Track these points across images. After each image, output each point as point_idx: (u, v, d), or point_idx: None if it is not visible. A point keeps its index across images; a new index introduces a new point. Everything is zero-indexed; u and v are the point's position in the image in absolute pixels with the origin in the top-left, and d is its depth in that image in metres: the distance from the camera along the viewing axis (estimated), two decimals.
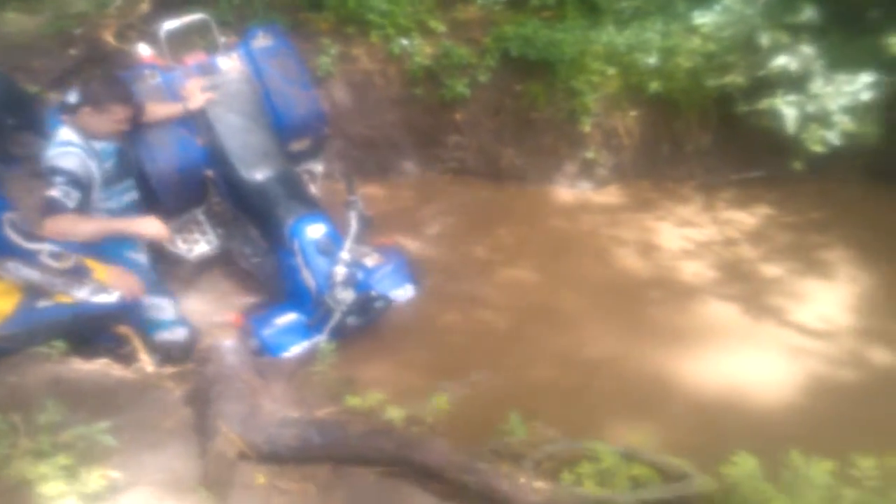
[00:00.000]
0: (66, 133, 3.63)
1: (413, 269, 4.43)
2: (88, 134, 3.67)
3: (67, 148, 3.57)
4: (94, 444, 2.31)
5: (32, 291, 2.92)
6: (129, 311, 3.32)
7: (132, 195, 4.10)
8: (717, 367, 4.22)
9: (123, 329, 3.29)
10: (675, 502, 2.35)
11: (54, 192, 3.43)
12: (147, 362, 3.18)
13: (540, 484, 2.35)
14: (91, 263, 3.12)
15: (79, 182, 3.53)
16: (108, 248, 3.60)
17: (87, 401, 2.56)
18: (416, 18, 6.05)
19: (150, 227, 3.76)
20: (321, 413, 2.78)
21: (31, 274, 2.89)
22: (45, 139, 3.80)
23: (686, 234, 5.59)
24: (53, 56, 5.68)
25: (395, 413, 2.76)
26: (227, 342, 2.88)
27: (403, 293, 4.29)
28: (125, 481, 2.26)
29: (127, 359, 3.21)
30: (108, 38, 5.87)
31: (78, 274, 3.02)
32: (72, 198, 3.46)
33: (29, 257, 2.89)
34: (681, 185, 6.22)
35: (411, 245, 5.10)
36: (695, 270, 5.18)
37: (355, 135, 6.07)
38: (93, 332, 3.17)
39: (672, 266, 5.23)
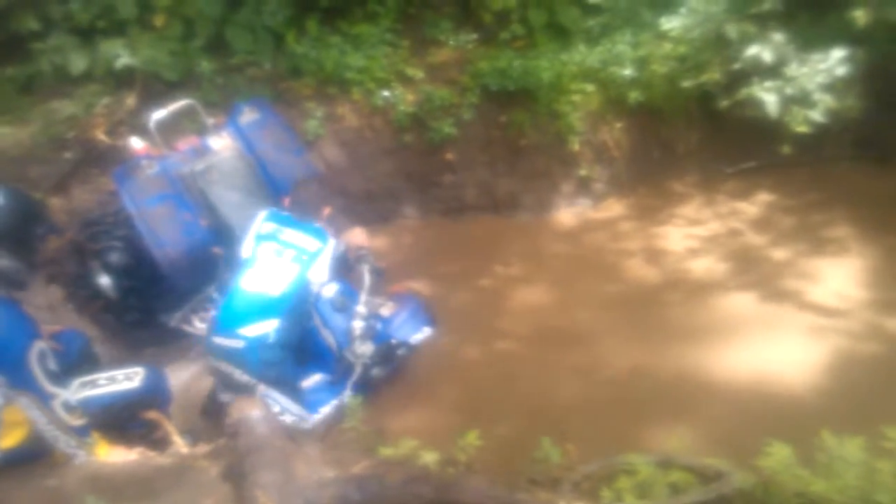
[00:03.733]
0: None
1: (429, 311, 4.48)
2: None
3: None
4: None
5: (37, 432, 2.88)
6: (154, 396, 3.37)
7: None
8: (741, 359, 4.23)
9: (153, 414, 3.34)
10: (715, 502, 2.35)
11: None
12: (180, 444, 3.23)
13: None
14: (97, 436, 3.04)
15: None
16: None
17: (126, 492, 2.60)
18: (394, 69, 6.19)
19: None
20: (357, 469, 2.79)
21: (39, 418, 2.82)
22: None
23: (691, 233, 5.63)
24: (50, 163, 5.80)
25: (429, 457, 2.77)
26: (255, 413, 2.92)
27: (422, 336, 4.33)
28: None
29: (160, 443, 3.26)
30: (101, 136, 6.00)
31: (81, 437, 2.93)
32: None
33: (43, 399, 2.82)
34: (678, 185, 6.28)
35: (423, 287, 5.14)
36: (706, 267, 5.21)
37: (354, 189, 6.17)
38: (123, 420, 3.21)
39: (682, 267, 5.26)
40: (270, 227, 4.04)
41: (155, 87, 6.47)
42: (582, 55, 6.10)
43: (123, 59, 6.37)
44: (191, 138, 4.80)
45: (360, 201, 6.19)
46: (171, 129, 4.92)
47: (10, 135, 6.25)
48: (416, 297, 4.60)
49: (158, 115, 4.71)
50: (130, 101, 6.39)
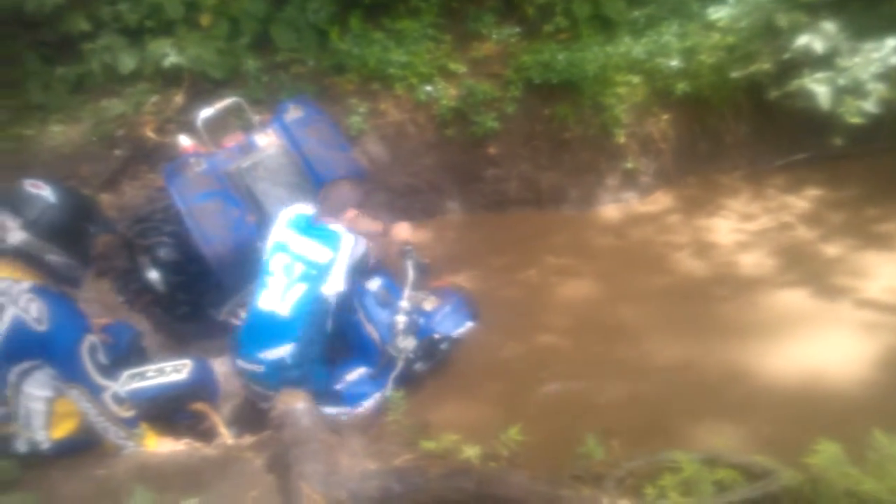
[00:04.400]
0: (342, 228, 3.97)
1: (471, 306, 4.47)
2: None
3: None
4: None
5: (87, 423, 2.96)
6: (202, 388, 3.43)
7: None
8: (791, 355, 4.13)
9: (200, 406, 3.41)
10: (762, 500, 2.31)
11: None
12: (226, 435, 3.29)
13: (624, 502, 2.34)
14: (146, 427, 3.10)
15: None
16: None
17: (173, 482, 2.66)
18: (436, 64, 6.19)
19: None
20: (399, 461, 2.81)
21: (89, 410, 2.90)
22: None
23: (740, 227, 5.53)
24: (100, 160, 5.96)
25: (471, 451, 2.78)
26: (300, 405, 2.96)
27: (465, 330, 4.33)
28: None
29: (207, 434, 3.32)
30: (150, 134, 6.14)
31: (130, 428, 3.00)
32: None
33: (94, 391, 2.90)
34: (726, 178, 6.18)
35: (466, 282, 5.15)
36: (755, 261, 5.11)
37: (397, 184, 6.19)
38: (171, 411, 3.28)
39: (731, 261, 5.16)
40: (286, 234, 3.97)
41: (202, 86, 6.59)
42: (627, 47, 6.02)
43: (171, 58, 6.49)
44: (237, 135, 4.86)
45: (403, 196, 6.21)
46: (218, 126, 4.99)
47: (62, 133, 6.44)
48: (458, 291, 4.60)
49: (205, 113, 4.78)
50: (178, 99, 6.53)
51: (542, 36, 6.38)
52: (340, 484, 2.56)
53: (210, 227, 4.30)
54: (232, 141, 4.79)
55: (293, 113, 4.77)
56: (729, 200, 5.88)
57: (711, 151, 6.24)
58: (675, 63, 5.82)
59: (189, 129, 5.19)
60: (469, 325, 4.34)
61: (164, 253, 4.71)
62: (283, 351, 3.75)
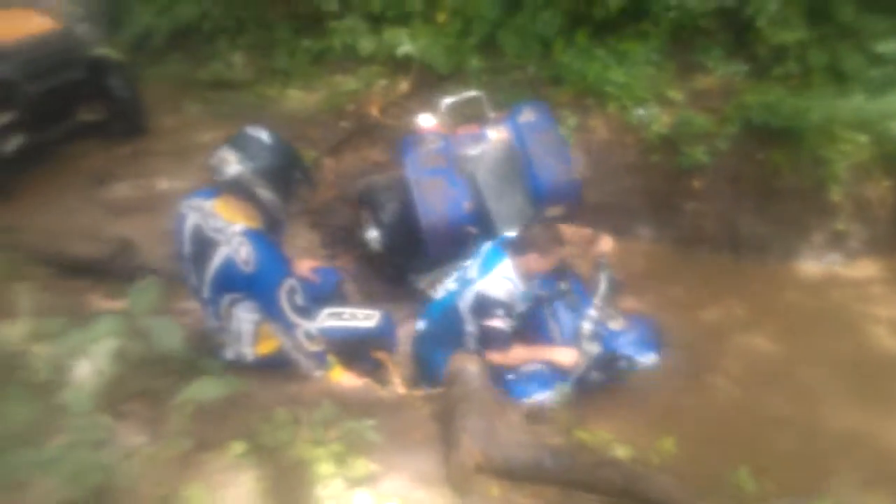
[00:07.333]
0: (507, 268, 3.99)
1: (658, 337, 4.41)
2: (525, 275, 4.08)
3: (507, 283, 3.96)
4: (360, 438, 2.69)
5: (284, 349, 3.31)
6: (385, 339, 3.71)
7: None
8: None
9: (381, 354, 3.69)
10: None
11: (498, 323, 3.91)
12: (399, 385, 3.55)
13: None
14: (332, 359, 3.39)
15: (512, 313, 4.00)
16: None
17: (351, 409, 2.94)
18: (654, 89, 6.21)
19: (567, 356, 4.02)
20: (552, 443, 2.92)
21: (285, 342, 3.24)
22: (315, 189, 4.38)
23: None
24: (328, 128, 6.55)
25: (622, 451, 2.85)
26: (473, 367, 3.15)
27: (647, 360, 4.29)
28: (382, 472, 2.61)
29: (383, 382, 3.60)
30: (374, 112, 6.65)
31: (319, 360, 3.31)
32: (508, 326, 3.95)
33: (288, 327, 3.20)
34: None
35: (643, 309, 5.11)
36: None
37: (591, 199, 6.20)
38: (356, 354, 3.57)
39: None
40: (486, 245, 4.25)
41: (427, 77, 7.01)
42: (859, 104, 5.74)
43: (404, 48, 6.97)
44: (472, 126, 5.18)
45: (595, 212, 6.24)
46: (455, 114, 5.35)
47: (299, 98, 7.13)
48: (648, 320, 4.54)
49: (449, 99, 5.20)
50: (404, 85, 7.00)
51: (770, 78, 6.23)
52: (498, 445, 2.73)
53: (432, 200, 4.63)
54: (466, 130, 5.12)
55: (526, 115, 5.04)
56: None
57: None
58: None
59: (413, 113, 5.58)
60: (652, 356, 4.30)
61: (388, 215, 5.08)
62: (418, 328, 4.32)
